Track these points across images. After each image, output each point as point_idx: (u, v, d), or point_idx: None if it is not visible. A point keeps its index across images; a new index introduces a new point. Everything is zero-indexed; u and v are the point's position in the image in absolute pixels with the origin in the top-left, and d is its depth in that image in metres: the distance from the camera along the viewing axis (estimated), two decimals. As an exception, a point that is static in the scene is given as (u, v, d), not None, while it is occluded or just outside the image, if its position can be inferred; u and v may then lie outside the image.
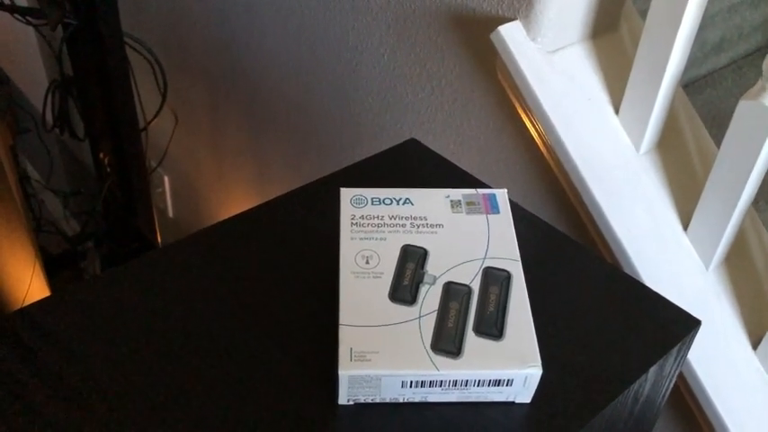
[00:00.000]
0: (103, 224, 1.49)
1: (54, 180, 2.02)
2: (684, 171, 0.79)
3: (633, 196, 0.76)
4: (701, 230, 0.74)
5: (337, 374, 0.39)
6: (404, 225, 0.47)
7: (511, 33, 0.74)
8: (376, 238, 0.46)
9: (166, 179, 1.88)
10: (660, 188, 0.77)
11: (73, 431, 0.40)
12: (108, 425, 0.40)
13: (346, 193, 0.48)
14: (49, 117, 1.46)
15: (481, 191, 0.49)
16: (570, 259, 0.52)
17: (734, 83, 1.47)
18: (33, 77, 2.21)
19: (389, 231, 0.46)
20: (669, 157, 0.79)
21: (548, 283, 0.50)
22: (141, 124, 1.45)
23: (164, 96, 1.41)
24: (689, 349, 0.51)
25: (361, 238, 0.46)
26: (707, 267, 0.75)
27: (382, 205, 0.48)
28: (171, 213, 1.95)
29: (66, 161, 2.16)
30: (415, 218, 0.47)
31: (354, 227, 0.46)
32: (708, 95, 1.35)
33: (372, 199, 0.48)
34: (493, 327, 0.41)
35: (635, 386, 0.45)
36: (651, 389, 0.49)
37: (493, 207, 0.48)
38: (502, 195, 0.49)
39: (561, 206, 0.83)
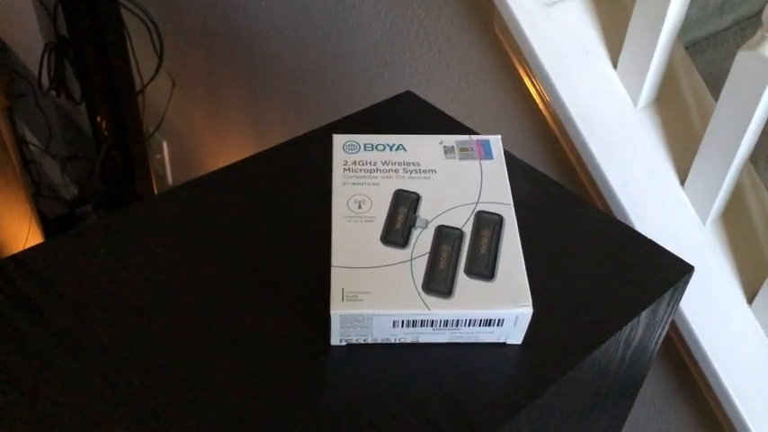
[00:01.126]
0: (102, 188, 1.48)
1: (52, 145, 2.01)
2: (683, 126, 0.78)
3: (630, 150, 0.75)
4: (698, 185, 0.74)
5: (329, 315, 0.40)
6: (396, 171, 0.46)
7: (508, -15, 0.73)
8: (368, 184, 0.45)
9: (165, 145, 1.87)
10: (657, 143, 0.77)
11: (72, 374, 0.40)
12: (105, 367, 0.40)
13: (339, 140, 0.48)
14: (45, 80, 1.45)
15: (475, 137, 0.49)
16: (564, 207, 0.52)
17: (736, 44, 1.45)
18: (29, 42, 2.19)
19: (382, 177, 0.46)
20: (667, 113, 0.79)
21: (541, 230, 0.50)
22: (138, 87, 1.44)
23: (160, 58, 1.40)
24: (682, 295, 0.51)
25: (353, 184, 0.45)
26: (704, 222, 0.75)
27: (375, 151, 0.47)
28: (170, 180, 1.94)
29: (63, 126, 2.15)
30: (407, 163, 0.47)
31: (347, 172, 0.46)
32: (709, 57, 1.34)
33: (365, 145, 0.48)
34: (484, 268, 0.41)
35: (627, 329, 0.46)
36: (643, 334, 0.49)
37: (486, 153, 0.48)
38: (495, 142, 0.49)
39: (559, 161, 0.83)
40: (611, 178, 0.73)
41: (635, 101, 0.77)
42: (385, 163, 0.47)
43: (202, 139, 1.66)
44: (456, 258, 0.42)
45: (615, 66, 0.77)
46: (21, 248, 0.85)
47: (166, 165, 1.92)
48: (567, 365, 0.42)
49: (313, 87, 1.20)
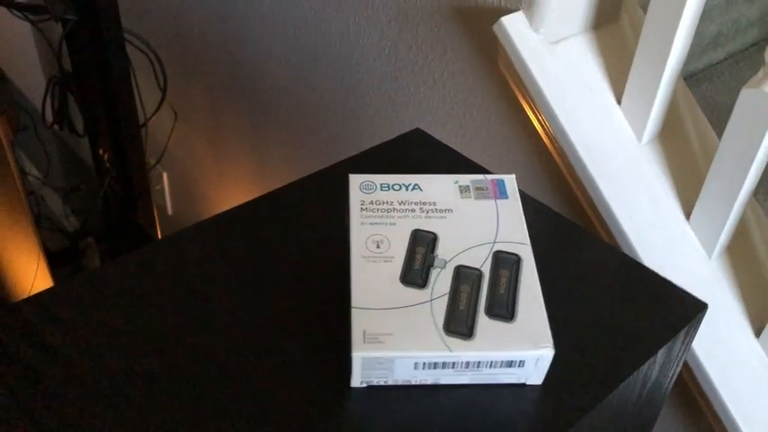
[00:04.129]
0: (102, 220, 1.48)
1: (51, 177, 2.02)
2: (686, 161, 0.79)
3: (635, 186, 0.76)
4: (703, 219, 0.74)
5: (350, 357, 0.40)
6: (413, 210, 0.47)
7: (514, 24, 0.75)
8: (386, 224, 0.46)
9: (165, 176, 1.88)
10: (662, 177, 0.78)
11: (86, 414, 0.40)
12: (121, 410, 0.40)
13: (355, 180, 0.49)
14: (48, 113, 1.46)
15: (489, 176, 0.49)
16: (576, 244, 0.52)
17: (731, 77, 1.47)
18: (30, 75, 2.20)
19: (399, 216, 0.46)
20: (671, 147, 0.80)
21: (555, 268, 0.50)
22: (141, 120, 1.45)
23: (164, 92, 1.41)
24: (696, 332, 0.51)
25: (371, 224, 0.46)
26: (709, 256, 0.76)
27: (391, 191, 0.48)
28: (170, 210, 1.95)
29: (63, 158, 2.16)
30: (424, 203, 0.47)
31: (364, 212, 0.47)
32: (705, 89, 1.36)
33: (381, 185, 0.48)
34: (504, 308, 0.42)
35: (644, 368, 0.46)
36: (659, 372, 0.49)
37: (501, 192, 0.48)
38: (510, 181, 0.49)
39: (564, 196, 0.83)
40: (618, 213, 0.74)
41: (639, 136, 0.78)
42: (401, 203, 0.47)
43: (203, 170, 1.66)
44: (476, 299, 0.42)
45: (619, 102, 0.78)
46: (30, 284, 0.85)
47: (166, 195, 1.92)
48: (587, 405, 0.42)
49: (315, 121, 1.21)
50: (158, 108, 1.44)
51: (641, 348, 0.46)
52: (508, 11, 0.78)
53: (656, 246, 0.75)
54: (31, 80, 2.18)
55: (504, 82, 0.84)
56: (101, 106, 1.31)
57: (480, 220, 0.46)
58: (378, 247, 0.44)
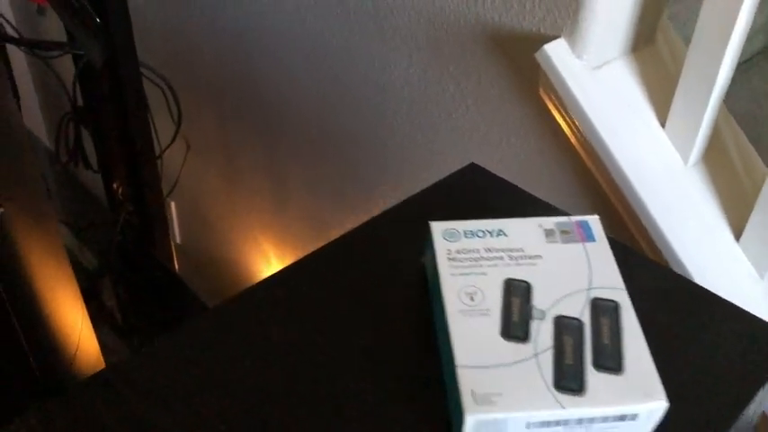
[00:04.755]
0: (119, 255, 1.47)
1: (59, 213, 1.99)
2: (731, 181, 0.79)
3: (683, 208, 0.76)
4: (754, 240, 0.74)
5: (462, 418, 0.38)
6: (501, 258, 0.46)
7: (556, 51, 0.74)
8: (476, 273, 0.45)
9: (173, 205, 1.86)
10: (709, 199, 0.77)
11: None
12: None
13: (437, 227, 0.48)
14: (51, 149, 1.44)
15: (573, 218, 0.48)
16: (653, 279, 0.51)
17: (741, 85, 1.47)
18: (29, 111, 2.18)
19: (488, 265, 0.45)
20: (715, 169, 0.79)
21: (636, 307, 0.49)
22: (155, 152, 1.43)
23: (178, 124, 1.39)
24: (784, 367, 0.50)
25: (461, 274, 0.45)
26: (761, 276, 0.75)
27: (476, 238, 0.47)
28: (179, 239, 1.92)
29: (66, 192, 2.13)
30: (511, 250, 0.46)
31: (452, 262, 0.45)
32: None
33: (465, 232, 0.47)
34: (611, 360, 0.41)
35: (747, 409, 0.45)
36: (753, 411, 0.48)
37: (588, 235, 0.47)
38: (594, 222, 0.48)
39: (608, 218, 0.83)
40: (668, 235, 0.73)
41: (685, 159, 0.77)
42: (488, 250, 0.46)
43: (215, 199, 1.64)
44: (581, 351, 0.41)
45: (662, 124, 0.78)
46: (77, 336, 0.83)
47: (175, 225, 1.90)
48: (698, 455, 0.41)
49: (338, 148, 1.20)
50: (173, 139, 1.42)
51: (741, 392, 0.45)
52: (548, 38, 0.77)
53: (706, 267, 0.74)
54: (31, 116, 2.16)
55: (544, 108, 0.83)
56: (116, 140, 1.29)
57: (571, 265, 0.45)
58: (472, 299, 0.43)
